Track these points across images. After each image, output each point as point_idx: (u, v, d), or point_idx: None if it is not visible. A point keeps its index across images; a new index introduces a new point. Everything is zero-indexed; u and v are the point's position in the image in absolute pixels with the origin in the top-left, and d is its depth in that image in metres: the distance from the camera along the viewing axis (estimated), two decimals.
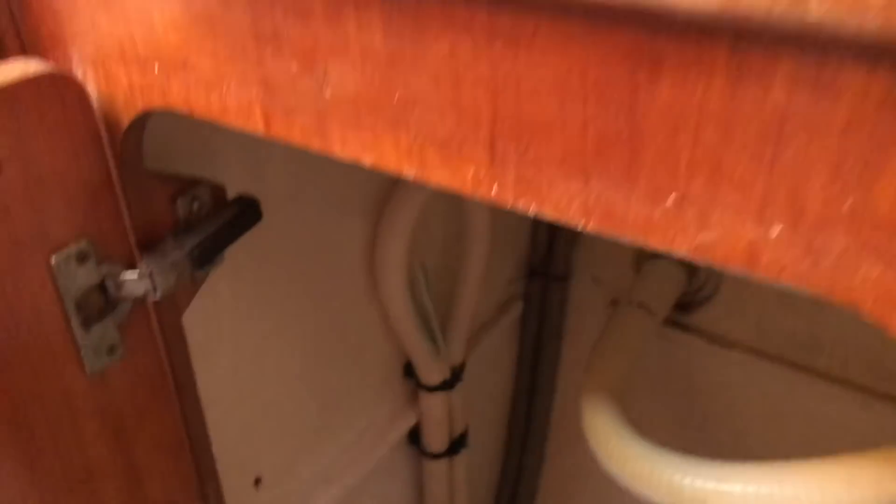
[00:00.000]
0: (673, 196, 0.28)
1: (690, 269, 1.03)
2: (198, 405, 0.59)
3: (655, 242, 0.29)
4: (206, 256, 0.52)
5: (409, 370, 0.97)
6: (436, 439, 1.02)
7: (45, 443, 0.48)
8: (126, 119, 0.45)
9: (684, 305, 1.07)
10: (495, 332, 1.12)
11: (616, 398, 0.84)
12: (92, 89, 0.45)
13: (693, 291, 1.06)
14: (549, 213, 0.31)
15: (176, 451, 0.57)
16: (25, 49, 0.45)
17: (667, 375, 1.12)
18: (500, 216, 0.97)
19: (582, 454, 1.30)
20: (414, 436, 1.03)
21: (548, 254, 1.13)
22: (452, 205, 0.90)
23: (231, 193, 0.56)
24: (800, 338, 1.00)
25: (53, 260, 0.44)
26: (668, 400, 1.12)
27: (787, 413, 1.03)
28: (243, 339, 0.70)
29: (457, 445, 1.05)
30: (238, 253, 0.63)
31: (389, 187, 0.80)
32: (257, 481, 0.79)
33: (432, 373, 0.95)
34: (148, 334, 0.52)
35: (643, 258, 1.07)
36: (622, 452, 0.77)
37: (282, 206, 0.67)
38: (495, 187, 0.32)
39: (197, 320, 0.62)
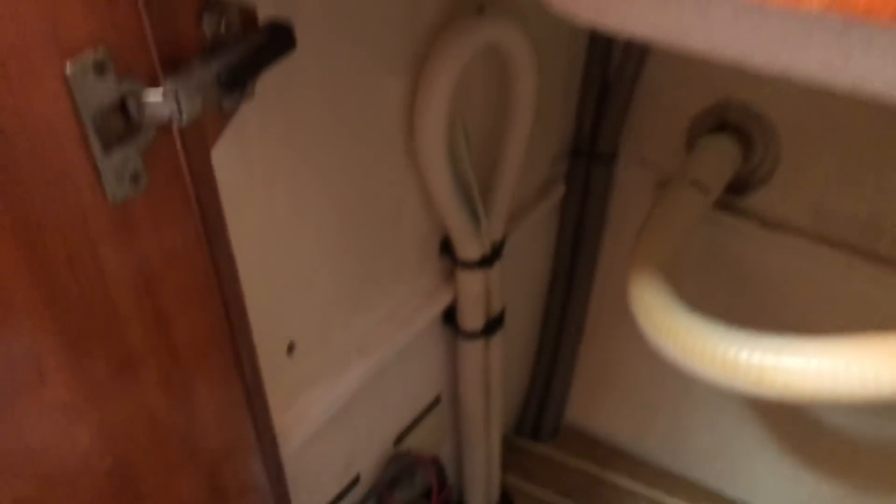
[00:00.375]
0: None
1: (747, 147, 0.97)
2: (229, 252, 0.55)
3: None
4: (235, 81, 0.47)
5: (446, 247, 0.93)
6: (472, 318, 0.99)
7: (65, 275, 0.44)
8: None
9: (738, 188, 1.01)
10: (536, 213, 1.07)
11: (665, 273, 0.79)
12: None
13: (748, 172, 1.00)
14: None
15: (205, 297, 0.54)
16: None
17: (717, 262, 1.07)
18: (545, 86, 0.91)
19: (620, 340, 1.27)
20: (450, 315, 1.00)
21: (594, 131, 1.07)
22: (496, 66, 0.84)
23: (262, 18, 0.51)
24: (860, 221, 0.95)
25: (68, 67, 0.39)
26: (718, 288, 1.07)
27: (845, 300, 0.98)
28: (275, 191, 0.66)
29: (493, 325, 1.02)
30: (269, 96, 0.58)
31: (431, 40, 0.74)
32: (290, 348, 0.76)
33: (470, 248, 0.91)
34: (174, 166, 0.48)
35: (696, 135, 1.01)
36: (673, 326, 0.73)
37: (316, 46, 0.62)
38: None
39: (226, 165, 0.58)
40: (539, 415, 1.39)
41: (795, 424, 1.16)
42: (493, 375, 1.08)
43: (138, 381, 0.52)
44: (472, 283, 0.94)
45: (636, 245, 0.83)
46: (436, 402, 1.09)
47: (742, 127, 0.97)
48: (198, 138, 0.48)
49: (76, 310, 0.46)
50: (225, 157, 0.56)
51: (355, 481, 0.95)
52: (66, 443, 0.49)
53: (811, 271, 0.99)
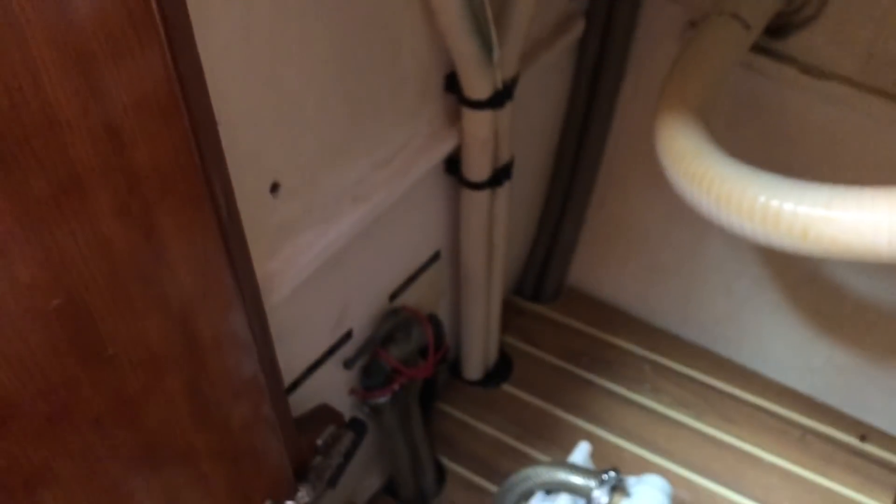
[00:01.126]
0: None
1: None
2: (195, 60, 0.46)
3: None
4: None
5: (452, 84, 0.83)
6: (477, 167, 0.90)
7: None
8: None
9: (779, 29, 0.91)
10: (553, 51, 0.97)
11: (699, 114, 0.70)
12: None
13: (792, 11, 0.89)
14: None
15: (167, 113, 0.45)
16: None
17: (752, 112, 0.97)
18: None
19: (633, 198, 1.19)
20: (453, 164, 0.92)
21: None
22: None
23: None
24: None
25: None
26: (752, 139, 0.98)
27: (893, 154, 0.89)
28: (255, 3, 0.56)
29: (500, 176, 0.93)
30: None
31: None
32: (274, 187, 0.68)
33: (480, 84, 0.81)
34: None
35: None
36: (708, 173, 0.64)
37: None
38: None
39: None
40: (542, 276, 1.32)
41: (815, 291, 1.10)
42: (497, 230, 1.01)
43: (88, 207, 0.44)
44: (479, 126, 0.85)
45: (667, 82, 0.74)
46: (435, 257, 1.03)
47: None
48: None
49: (2, 113, 0.37)
50: None
51: (348, 336, 0.90)
52: (3, 276, 0.41)
53: (856, 123, 0.90)
